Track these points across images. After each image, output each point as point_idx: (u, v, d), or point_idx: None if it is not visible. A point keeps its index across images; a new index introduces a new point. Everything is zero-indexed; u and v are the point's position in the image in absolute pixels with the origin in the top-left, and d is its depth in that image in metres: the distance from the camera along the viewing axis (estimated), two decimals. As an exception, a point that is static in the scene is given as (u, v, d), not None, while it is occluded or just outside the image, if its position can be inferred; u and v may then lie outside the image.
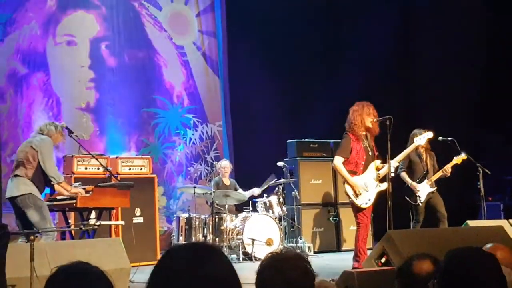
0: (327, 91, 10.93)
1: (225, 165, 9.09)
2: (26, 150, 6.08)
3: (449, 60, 10.94)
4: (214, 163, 9.63)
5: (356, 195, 6.47)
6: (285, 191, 8.98)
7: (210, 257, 1.37)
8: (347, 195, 6.58)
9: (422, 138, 7.13)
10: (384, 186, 6.55)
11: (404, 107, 10.40)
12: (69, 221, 6.79)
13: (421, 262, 2.43)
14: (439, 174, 7.74)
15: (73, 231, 6.57)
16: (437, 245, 4.92)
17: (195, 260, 1.36)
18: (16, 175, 6.01)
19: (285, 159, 9.38)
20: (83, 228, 5.98)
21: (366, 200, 6.48)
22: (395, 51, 10.87)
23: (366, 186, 6.49)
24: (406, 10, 10.91)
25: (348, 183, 6.51)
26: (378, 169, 6.59)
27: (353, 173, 6.53)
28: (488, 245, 3.03)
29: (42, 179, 6.07)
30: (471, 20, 10.66)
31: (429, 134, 7.17)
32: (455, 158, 7.73)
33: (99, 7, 9.58)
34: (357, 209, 6.52)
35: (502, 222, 7.63)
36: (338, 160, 6.55)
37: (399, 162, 7.02)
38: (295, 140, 9.68)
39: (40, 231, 5.57)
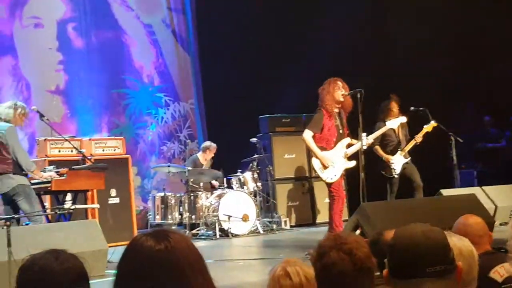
0: (299, 64, 10.92)
1: (214, 147, 9.12)
2: None
3: (422, 32, 11.01)
4: (188, 141, 9.63)
5: (324, 168, 6.54)
6: (259, 167, 9.03)
7: (170, 233, 1.46)
8: (314, 169, 6.66)
9: (394, 122, 7.22)
10: (351, 164, 6.61)
11: (377, 79, 10.45)
12: (45, 204, 6.76)
13: (391, 232, 2.48)
14: (411, 143, 7.76)
15: (49, 215, 6.55)
16: (410, 216, 5.02)
17: (157, 238, 1.45)
18: None
19: (258, 135, 9.41)
20: (58, 212, 5.97)
21: (332, 175, 6.54)
22: (368, 23, 10.87)
23: (333, 161, 6.54)
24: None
25: (316, 157, 6.58)
26: (349, 146, 6.64)
27: (323, 149, 6.57)
28: (461, 218, 3.02)
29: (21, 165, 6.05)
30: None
31: (403, 119, 7.26)
32: (425, 126, 7.77)
33: (65, -13, 9.40)
34: (328, 183, 6.60)
35: (475, 190, 7.73)
36: (307, 134, 6.60)
37: (372, 139, 7.00)
38: (267, 115, 9.71)
39: (15, 216, 5.56)
